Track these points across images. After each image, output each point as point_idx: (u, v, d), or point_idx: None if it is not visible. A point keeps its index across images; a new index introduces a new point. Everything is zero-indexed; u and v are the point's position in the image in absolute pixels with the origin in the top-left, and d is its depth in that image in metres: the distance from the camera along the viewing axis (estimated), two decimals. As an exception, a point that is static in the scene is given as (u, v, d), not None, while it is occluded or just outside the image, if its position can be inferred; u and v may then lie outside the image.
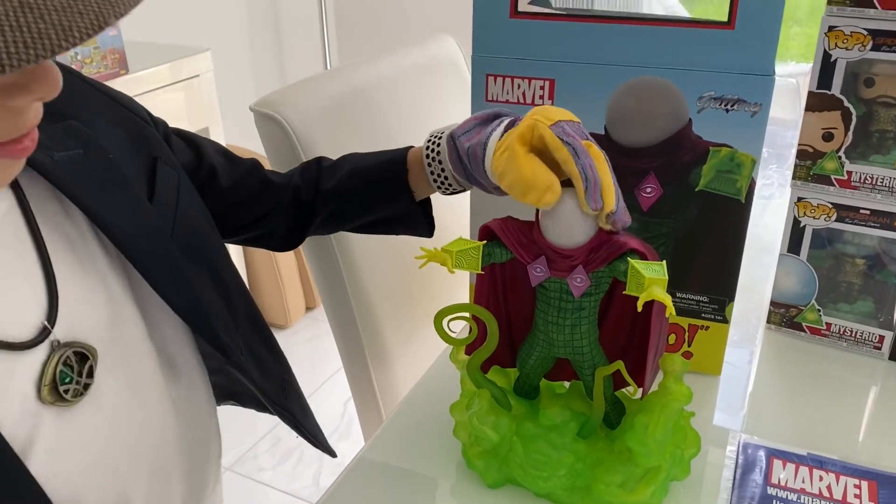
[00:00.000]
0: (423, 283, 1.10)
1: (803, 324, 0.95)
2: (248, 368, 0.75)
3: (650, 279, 0.58)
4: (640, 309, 0.58)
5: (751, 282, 0.99)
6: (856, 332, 0.92)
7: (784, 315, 0.96)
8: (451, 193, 0.82)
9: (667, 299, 0.57)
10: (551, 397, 0.74)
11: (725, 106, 0.76)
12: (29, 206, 0.59)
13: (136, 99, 0.75)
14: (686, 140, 0.78)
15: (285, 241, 0.89)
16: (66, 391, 0.57)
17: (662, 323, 0.66)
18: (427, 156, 0.80)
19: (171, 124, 0.82)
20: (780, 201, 1.19)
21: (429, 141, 0.80)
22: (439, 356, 0.93)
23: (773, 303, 0.96)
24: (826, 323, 0.94)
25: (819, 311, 0.93)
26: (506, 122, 0.70)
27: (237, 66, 2.87)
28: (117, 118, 0.71)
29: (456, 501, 0.74)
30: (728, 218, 0.80)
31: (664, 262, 0.60)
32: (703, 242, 0.82)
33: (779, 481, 0.74)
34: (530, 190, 0.61)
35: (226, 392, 0.85)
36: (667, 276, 0.58)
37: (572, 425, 0.70)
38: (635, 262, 0.60)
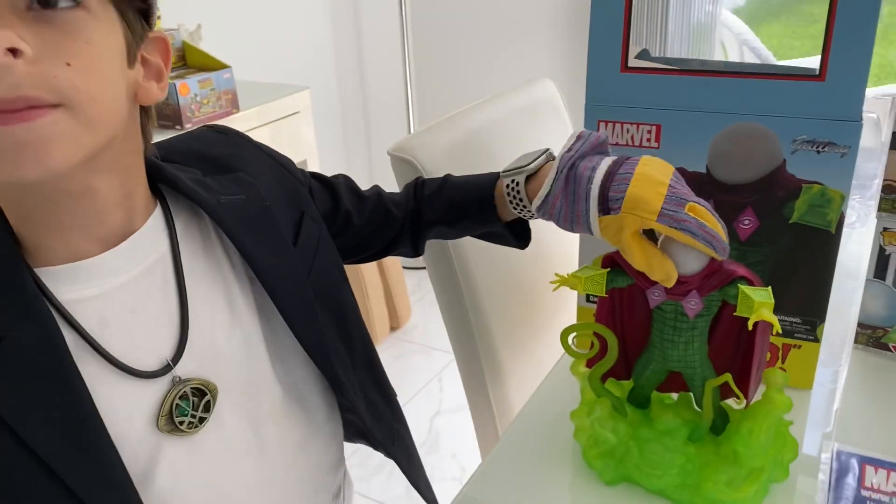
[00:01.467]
0: (534, 305, 1.21)
1: (889, 344, 1.02)
2: (359, 408, 0.83)
3: (759, 302, 0.68)
4: (750, 328, 0.68)
5: (836, 306, 1.07)
6: (940, 352, 0.99)
7: (871, 336, 1.03)
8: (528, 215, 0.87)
9: (774, 319, 0.67)
10: (662, 406, 0.84)
11: (817, 148, 0.85)
12: (180, 258, 0.71)
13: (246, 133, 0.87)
14: (781, 178, 0.88)
15: (414, 251, 0.98)
16: (182, 423, 0.68)
17: (765, 340, 0.76)
18: (510, 201, 0.85)
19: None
20: (863, 230, 1.26)
21: (507, 186, 0.85)
22: (550, 372, 1.03)
23: (860, 324, 1.04)
24: (911, 343, 1.01)
25: (904, 332, 1.01)
26: (595, 190, 0.73)
27: (325, 102, 3.05)
28: (277, 176, 0.83)
29: (577, 497, 0.83)
30: (819, 247, 0.89)
31: (769, 287, 0.70)
32: (797, 269, 0.91)
33: (872, 485, 0.82)
34: (651, 276, 0.72)
35: (358, 432, 0.92)
36: (773, 300, 0.68)
37: (683, 430, 0.80)
38: (745, 288, 0.70)
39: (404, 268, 2.99)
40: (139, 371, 0.66)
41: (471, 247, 1.08)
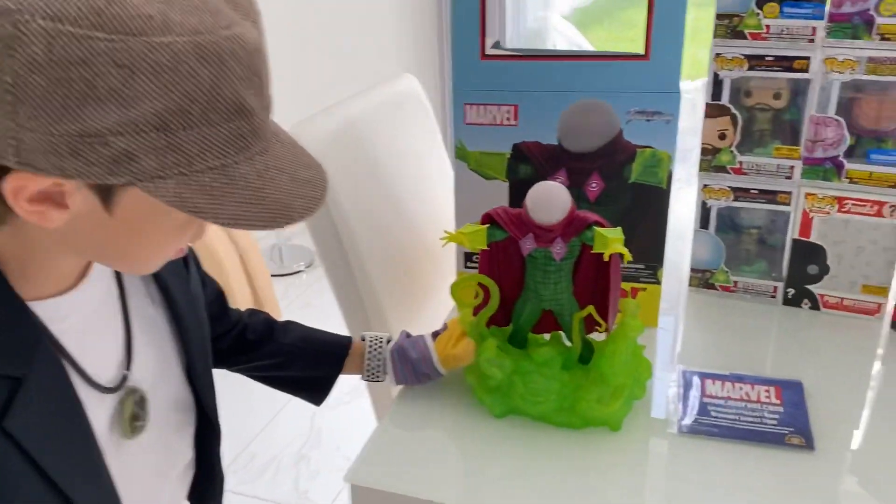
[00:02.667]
0: (417, 277, 1.32)
1: (716, 284, 1.21)
2: (220, 435, 0.89)
3: (612, 238, 0.82)
4: (606, 259, 0.82)
5: (669, 265, 1.25)
6: (756, 286, 1.19)
7: (701, 278, 1.22)
8: (372, 381, 1.02)
9: (625, 250, 0.81)
10: (538, 344, 0.97)
11: (647, 117, 1.01)
12: (124, 287, 0.77)
13: None
14: (619, 145, 1.03)
15: (220, 361, 1.00)
16: (136, 427, 0.74)
17: (618, 275, 0.90)
18: (369, 352, 0.99)
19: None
20: (686, 192, 1.46)
21: (371, 341, 1.00)
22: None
23: (692, 269, 1.22)
24: (734, 281, 1.20)
25: (727, 272, 1.20)
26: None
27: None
28: None
29: (471, 431, 0.95)
30: (654, 201, 1.06)
31: (619, 227, 0.85)
32: (637, 222, 1.07)
33: (711, 394, 0.99)
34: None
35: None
36: (623, 236, 0.83)
37: (558, 360, 0.93)
38: (599, 229, 0.84)
39: (273, 275, 3.02)
40: (106, 387, 0.71)
41: (362, 232, 1.18)
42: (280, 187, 0.58)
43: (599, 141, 1.04)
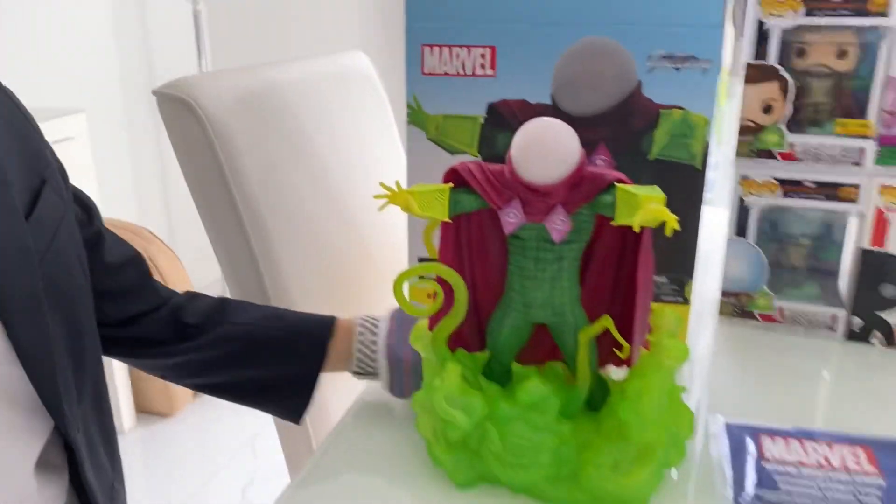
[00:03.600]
0: (354, 291, 1.00)
1: (755, 311, 0.91)
2: (79, 447, 0.64)
3: (646, 196, 0.51)
4: (637, 229, 0.52)
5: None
6: (809, 315, 0.89)
7: (736, 304, 0.92)
8: (362, 376, 0.76)
9: (668, 214, 0.51)
10: (525, 379, 0.65)
11: (676, 64, 0.73)
12: None
13: None
14: (636, 104, 0.74)
15: (156, 357, 0.78)
16: None
17: (651, 267, 0.60)
18: (361, 332, 0.75)
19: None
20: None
21: (364, 320, 0.75)
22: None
23: (723, 293, 0.92)
24: (778, 308, 0.90)
25: (770, 296, 0.90)
26: None
27: (111, 130, 2.70)
28: (17, 128, 0.65)
29: (422, 511, 0.63)
30: (684, 187, 0.76)
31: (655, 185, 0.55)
32: (660, 216, 0.77)
33: (773, 457, 0.68)
34: None
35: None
36: (663, 195, 0.52)
37: (554, 401, 0.61)
38: (624, 186, 0.54)
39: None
40: None
41: (278, 230, 0.87)
42: None
43: (609, 99, 0.75)
